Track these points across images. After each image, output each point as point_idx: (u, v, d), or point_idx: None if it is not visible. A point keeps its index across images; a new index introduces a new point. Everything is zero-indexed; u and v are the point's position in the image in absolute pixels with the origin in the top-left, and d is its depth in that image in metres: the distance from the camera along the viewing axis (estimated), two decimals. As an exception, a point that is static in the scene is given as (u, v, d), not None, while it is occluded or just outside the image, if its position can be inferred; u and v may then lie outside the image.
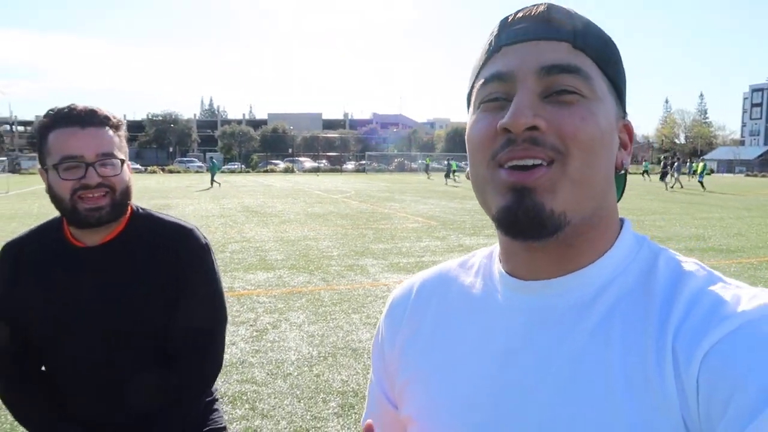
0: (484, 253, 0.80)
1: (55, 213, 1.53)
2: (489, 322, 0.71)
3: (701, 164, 31.23)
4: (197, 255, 1.57)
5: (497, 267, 0.73)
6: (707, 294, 0.60)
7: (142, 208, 1.60)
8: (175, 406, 1.52)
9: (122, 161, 1.46)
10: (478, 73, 0.69)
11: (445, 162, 41.16)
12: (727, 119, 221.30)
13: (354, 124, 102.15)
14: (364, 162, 66.45)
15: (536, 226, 0.61)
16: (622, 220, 0.71)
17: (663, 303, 0.61)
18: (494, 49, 0.67)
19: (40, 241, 1.54)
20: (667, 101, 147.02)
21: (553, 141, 0.61)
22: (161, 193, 25.33)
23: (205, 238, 1.61)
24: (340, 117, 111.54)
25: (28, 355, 1.54)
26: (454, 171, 38.27)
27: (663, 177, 32.00)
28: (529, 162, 0.61)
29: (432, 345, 0.75)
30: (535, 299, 0.67)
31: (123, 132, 1.52)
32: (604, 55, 0.66)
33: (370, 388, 0.88)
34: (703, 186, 30.29)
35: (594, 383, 0.60)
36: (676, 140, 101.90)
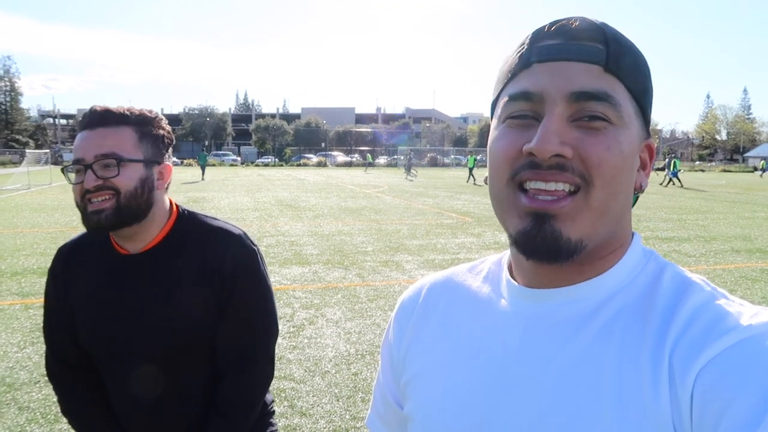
0: (493, 260, 0.81)
1: None
2: (491, 327, 0.72)
3: (674, 161, 30.80)
4: (245, 263, 1.46)
5: (505, 274, 0.75)
6: (708, 310, 0.60)
7: (188, 211, 1.51)
8: (222, 423, 1.44)
9: (129, 161, 1.34)
10: (505, 84, 0.68)
11: (406, 155, 40.67)
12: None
13: (387, 119, 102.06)
14: (396, 157, 66.37)
15: (553, 252, 0.62)
16: (632, 234, 0.71)
17: (663, 317, 0.61)
18: (524, 64, 0.65)
19: (89, 247, 1.49)
20: (708, 96, 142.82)
21: (579, 168, 0.61)
22: (197, 186, 25.70)
23: (254, 244, 1.51)
24: (373, 111, 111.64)
25: (84, 363, 1.49)
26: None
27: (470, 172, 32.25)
28: (552, 186, 0.62)
29: (435, 346, 0.77)
30: (539, 307, 0.68)
31: (152, 129, 1.40)
32: (635, 78, 0.65)
33: (376, 387, 0.90)
34: (675, 182, 30.01)
35: (586, 393, 0.61)
36: (717, 136, 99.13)
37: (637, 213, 15.00)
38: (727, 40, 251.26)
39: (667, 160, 31.90)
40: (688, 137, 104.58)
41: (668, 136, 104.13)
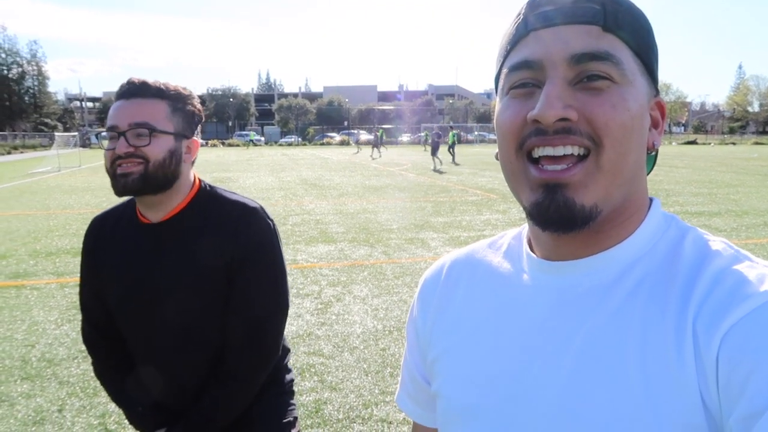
0: (512, 234, 0.81)
1: None
2: (514, 302, 0.72)
3: (451, 134, 29.10)
4: (257, 236, 1.46)
5: (525, 248, 0.74)
6: (731, 273, 0.59)
7: (210, 186, 1.55)
8: (219, 394, 1.47)
9: (161, 132, 1.39)
10: (505, 56, 0.67)
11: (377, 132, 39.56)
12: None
13: (409, 96, 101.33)
14: (420, 134, 65.99)
15: (568, 221, 0.62)
16: (651, 200, 0.70)
17: (686, 282, 0.60)
18: (522, 33, 0.65)
19: (117, 218, 1.56)
20: (740, 67, 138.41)
21: (587, 130, 0.60)
22: (222, 166, 25.95)
23: (270, 219, 1.51)
24: (395, 89, 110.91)
25: (115, 329, 1.56)
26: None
27: (434, 152, 25.87)
28: (560, 152, 0.61)
29: (460, 322, 0.77)
30: (560, 279, 0.68)
31: (185, 105, 1.45)
32: (635, 34, 0.63)
33: (404, 365, 0.90)
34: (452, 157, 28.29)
35: (610, 363, 0.61)
36: (749, 108, 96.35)
37: (667, 188, 14.77)
38: (760, 9, 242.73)
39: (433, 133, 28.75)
40: (718, 110, 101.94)
41: (698, 109, 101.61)
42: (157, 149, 1.39)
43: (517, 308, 0.71)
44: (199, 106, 1.51)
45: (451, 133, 29.69)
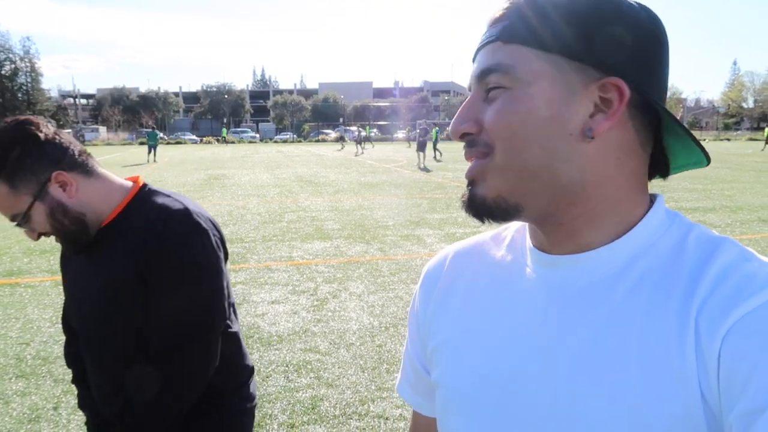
0: (516, 227, 0.82)
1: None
2: (516, 294, 0.73)
3: (434, 131, 29.00)
4: (168, 245, 1.29)
5: (528, 241, 0.75)
6: (735, 270, 0.59)
7: (150, 189, 1.42)
8: (130, 418, 1.34)
9: (23, 214, 1.28)
10: None
11: (357, 130, 39.93)
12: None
13: (405, 93, 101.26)
14: (415, 130, 65.95)
15: (477, 212, 0.68)
16: (654, 196, 0.71)
17: (690, 278, 0.61)
18: (475, 56, 0.72)
19: None
20: (735, 63, 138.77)
21: (486, 139, 0.66)
22: (217, 163, 25.88)
23: (191, 224, 1.32)
24: (391, 85, 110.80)
25: None
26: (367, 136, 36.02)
27: (421, 148, 24.66)
28: (473, 162, 0.68)
29: (461, 313, 0.78)
30: (561, 273, 0.69)
31: (17, 160, 1.25)
32: (547, 30, 0.63)
33: (405, 355, 0.92)
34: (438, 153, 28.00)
35: (610, 357, 0.61)
36: (744, 104, 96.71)
37: (662, 183, 14.10)
38: (755, 5, 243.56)
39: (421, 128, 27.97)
40: (713, 106, 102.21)
41: (693, 105, 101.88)
42: (39, 223, 1.31)
43: (519, 300, 0.72)
44: (34, 130, 1.29)
45: (434, 130, 29.19)
